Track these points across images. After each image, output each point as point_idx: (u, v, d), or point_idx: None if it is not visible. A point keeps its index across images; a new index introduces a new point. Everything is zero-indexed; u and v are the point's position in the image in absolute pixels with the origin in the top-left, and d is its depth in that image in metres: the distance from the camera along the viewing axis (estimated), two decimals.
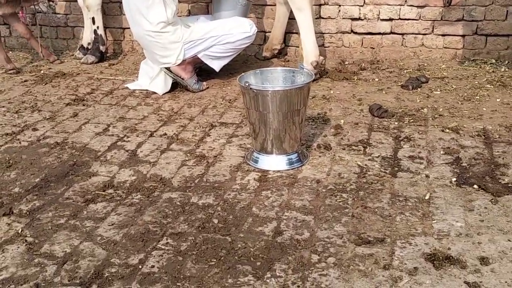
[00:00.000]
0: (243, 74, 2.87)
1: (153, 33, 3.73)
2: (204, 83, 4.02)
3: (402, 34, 4.49)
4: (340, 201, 2.41)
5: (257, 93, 2.67)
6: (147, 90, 3.97)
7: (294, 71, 2.95)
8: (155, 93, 3.92)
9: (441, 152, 2.86)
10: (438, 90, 3.78)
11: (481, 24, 4.32)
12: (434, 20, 4.38)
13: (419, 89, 3.81)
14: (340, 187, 2.54)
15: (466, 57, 4.40)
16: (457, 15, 4.33)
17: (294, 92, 2.67)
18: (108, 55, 4.92)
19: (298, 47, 4.66)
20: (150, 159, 2.92)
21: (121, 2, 4.87)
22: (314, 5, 4.40)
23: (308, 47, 3.94)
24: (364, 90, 3.86)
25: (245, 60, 4.66)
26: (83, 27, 4.94)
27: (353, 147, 2.98)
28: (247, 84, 2.65)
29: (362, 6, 4.48)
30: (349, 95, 3.76)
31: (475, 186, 2.50)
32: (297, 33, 4.62)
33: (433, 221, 2.23)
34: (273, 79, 2.96)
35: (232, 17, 4.04)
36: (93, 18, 4.66)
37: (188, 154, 2.96)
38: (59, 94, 3.95)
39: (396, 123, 3.26)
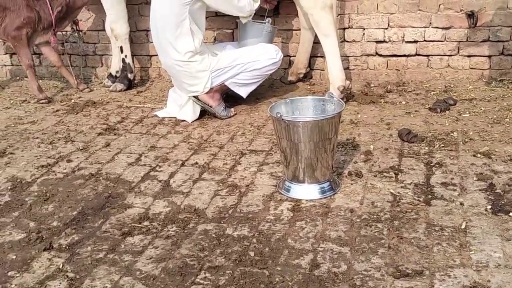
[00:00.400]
0: (273, 103, 2.91)
1: (181, 63, 3.80)
2: (232, 109, 4.07)
3: (428, 55, 4.50)
4: (375, 232, 2.42)
5: (289, 124, 2.70)
6: (176, 117, 4.03)
7: (324, 99, 2.97)
8: (184, 120, 3.98)
9: (474, 178, 2.85)
10: (467, 112, 3.76)
11: (507, 44, 4.31)
12: (459, 42, 4.39)
13: (447, 111, 3.80)
14: (375, 216, 2.54)
15: (493, 77, 4.38)
16: (483, 36, 4.32)
17: (325, 122, 2.69)
18: (135, 82, 5.00)
19: (323, 70, 4.71)
20: (183, 189, 2.96)
21: (148, 30, 4.99)
22: (338, 28, 4.44)
23: (334, 73, 3.97)
24: (392, 113, 3.87)
25: (271, 84, 4.71)
26: (111, 55, 5.05)
27: (385, 173, 2.98)
28: (279, 115, 2.69)
29: (386, 29, 4.51)
30: (377, 119, 3.77)
31: (511, 214, 2.48)
32: (322, 56, 4.68)
33: (471, 252, 2.22)
34: (303, 108, 2.98)
35: (258, 43, 4.09)
36: (121, 47, 4.76)
37: (220, 184, 3.00)
38: (91, 124, 4.03)
39: (426, 148, 3.26)
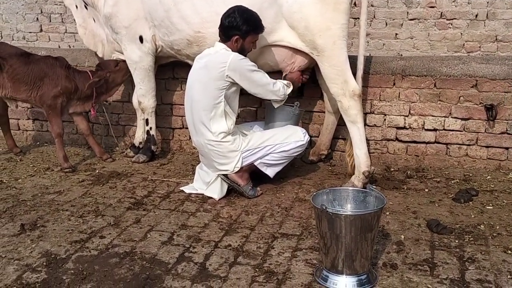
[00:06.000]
0: (314, 193, 2.98)
1: (214, 142, 3.90)
2: (258, 188, 4.14)
3: (446, 144, 4.65)
4: None
5: (332, 215, 2.76)
6: (202, 194, 4.08)
7: (363, 191, 3.06)
8: (211, 197, 4.03)
9: (508, 276, 2.90)
10: (490, 204, 3.86)
11: None
12: (478, 132, 4.55)
13: (470, 202, 3.90)
14: None
15: (510, 168, 4.52)
16: (501, 129, 4.49)
17: (368, 216, 2.76)
18: (156, 153, 5.08)
19: (343, 152, 4.83)
20: (220, 273, 2.97)
21: (172, 104, 5.13)
22: None
23: (361, 158, 4.08)
24: (416, 201, 3.95)
25: (292, 163, 4.78)
26: (135, 126, 5.15)
27: (419, 266, 3.02)
28: (324, 207, 2.75)
29: (407, 116, 4.67)
30: (402, 207, 3.84)
31: None
32: (342, 138, 4.82)
33: None
34: (342, 198, 3.06)
35: (286, 126, 4.22)
36: (147, 120, 4.87)
37: (257, 269, 3.01)
38: (118, 197, 4.06)
39: (456, 241, 3.32)
